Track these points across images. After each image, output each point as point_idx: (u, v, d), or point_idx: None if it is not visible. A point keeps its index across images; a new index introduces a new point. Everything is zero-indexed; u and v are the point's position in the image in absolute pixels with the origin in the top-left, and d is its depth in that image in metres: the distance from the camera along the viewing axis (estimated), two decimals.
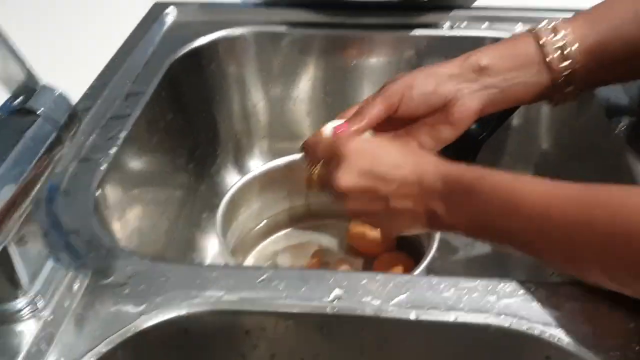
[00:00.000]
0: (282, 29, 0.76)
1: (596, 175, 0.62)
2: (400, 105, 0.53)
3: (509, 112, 0.65)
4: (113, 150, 0.57)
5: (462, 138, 0.65)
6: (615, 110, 0.60)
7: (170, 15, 0.77)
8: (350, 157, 0.48)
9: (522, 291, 0.42)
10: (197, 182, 0.76)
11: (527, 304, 0.41)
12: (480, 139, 0.64)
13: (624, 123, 0.58)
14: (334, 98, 0.79)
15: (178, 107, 0.71)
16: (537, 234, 0.41)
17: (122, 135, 0.58)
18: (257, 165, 0.80)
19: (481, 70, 0.53)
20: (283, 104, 0.81)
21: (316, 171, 0.52)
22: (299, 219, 0.73)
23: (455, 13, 0.76)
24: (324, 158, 0.52)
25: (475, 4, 0.79)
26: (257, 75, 0.78)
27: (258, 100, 0.80)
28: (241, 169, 0.82)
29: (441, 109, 0.53)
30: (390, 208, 0.48)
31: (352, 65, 0.77)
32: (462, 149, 0.65)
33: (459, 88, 0.53)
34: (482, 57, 0.53)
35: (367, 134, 0.52)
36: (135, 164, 0.61)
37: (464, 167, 0.46)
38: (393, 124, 0.54)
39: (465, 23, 0.75)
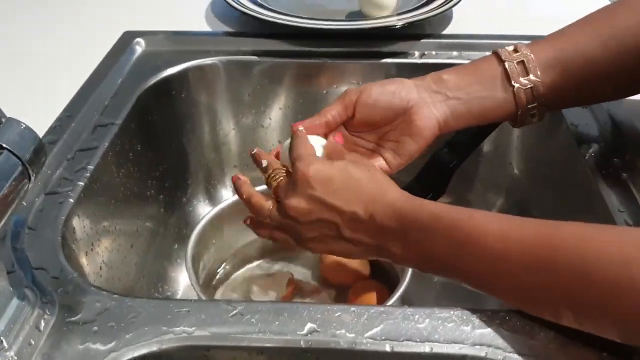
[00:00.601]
0: (252, 57, 0.76)
1: (567, 201, 0.63)
2: (358, 107, 0.53)
3: (478, 139, 0.66)
4: (80, 184, 0.55)
5: (433, 166, 0.66)
6: (585, 137, 0.61)
7: (140, 45, 0.77)
8: (308, 179, 0.47)
9: (497, 320, 0.41)
10: (167, 213, 0.75)
11: (502, 334, 0.41)
12: (452, 166, 0.65)
13: (593, 149, 0.59)
14: None
15: (147, 137, 0.70)
16: (495, 275, 0.41)
17: (90, 167, 0.57)
18: (228, 195, 0.79)
19: (443, 82, 0.54)
20: (254, 133, 0.80)
21: (273, 177, 0.51)
22: (270, 250, 0.73)
23: (425, 41, 0.77)
24: (277, 178, 0.51)
25: (445, 31, 0.81)
26: (227, 104, 0.78)
27: (229, 129, 0.80)
28: (212, 199, 0.81)
29: (402, 116, 0.53)
30: (341, 235, 0.48)
31: (324, 94, 0.78)
32: (433, 177, 0.66)
33: (422, 97, 0.53)
34: (445, 73, 0.54)
35: (319, 142, 0.52)
36: (104, 196, 0.60)
37: (420, 205, 0.45)
38: (359, 141, 0.54)
39: (434, 52, 0.76)
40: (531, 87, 0.53)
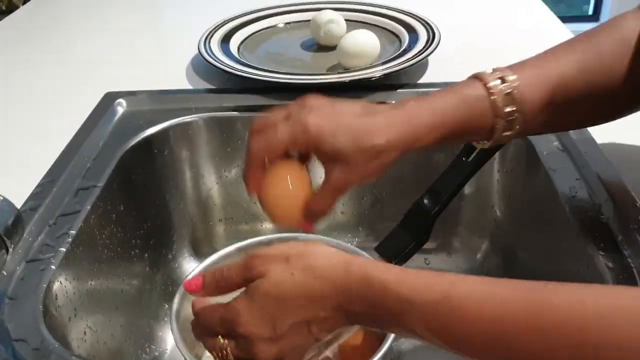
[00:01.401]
0: (234, 113, 0.77)
1: (551, 244, 0.63)
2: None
3: (458, 186, 0.67)
4: (62, 249, 0.55)
5: (415, 214, 0.67)
6: (563, 181, 0.61)
7: (121, 105, 0.78)
8: (254, 329, 0.42)
9: None
10: (153, 271, 0.75)
11: None
12: (433, 213, 0.65)
13: (571, 194, 0.59)
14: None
15: (130, 197, 0.70)
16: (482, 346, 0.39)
17: (72, 232, 0.57)
18: (213, 250, 0.79)
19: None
20: (238, 186, 0.81)
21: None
22: None
23: (401, 91, 0.79)
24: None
25: (421, 80, 0.82)
26: (209, 159, 0.79)
27: (212, 183, 0.80)
28: (198, 254, 0.81)
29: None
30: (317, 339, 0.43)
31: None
32: (416, 225, 0.66)
33: None
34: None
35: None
36: (87, 260, 0.59)
37: (384, 289, 0.40)
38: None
39: None
40: (513, 118, 0.52)
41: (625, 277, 0.49)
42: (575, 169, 0.63)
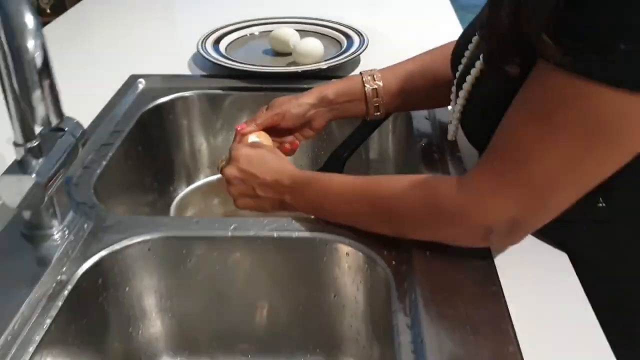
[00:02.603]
0: (219, 91, 1.12)
1: (405, 171, 0.97)
2: (281, 122, 0.88)
3: (361, 139, 1.01)
4: (103, 163, 0.90)
5: (332, 159, 1.01)
6: (421, 135, 0.96)
7: (142, 83, 1.13)
8: (238, 158, 0.81)
9: None
10: (159, 197, 1.09)
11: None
12: (343, 157, 1.00)
13: (423, 142, 0.94)
14: None
15: (146, 144, 1.05)
16: (340, 208, 0.73)
17: (109, 155, 0.92)
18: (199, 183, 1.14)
19: (329, 102, 0.89)
20: (219, 145, 1.15)
21: (222, 163, 0.85)
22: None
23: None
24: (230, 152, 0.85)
25: (353, 73, 1.17)
26: (200, 125, 1.14)
27: (201, 142, 1.15)
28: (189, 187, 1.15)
29: (306, 123, 0.89)
30: (256, 194, 0.79)
31: None
32: (331, 167, 1.01)
33: (317, 111, 0.90)
34: (330, 92, 0.90)
35: (255, 137, 0.87)
36: (118, 175, 0.94)
37: (303, 172, 0.78)
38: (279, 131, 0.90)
39: None
40: (377, 105, 0.89)
41: None
42: (431, 128, 0.97)
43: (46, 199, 0.69)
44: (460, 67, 0.76)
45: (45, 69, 0.45)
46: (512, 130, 0.60)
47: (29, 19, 0.44)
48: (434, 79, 0.89)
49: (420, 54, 0.92)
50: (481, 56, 0.68)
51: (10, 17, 0.44)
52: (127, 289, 0.76)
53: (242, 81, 1.14)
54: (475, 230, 0.64)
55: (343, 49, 1.21)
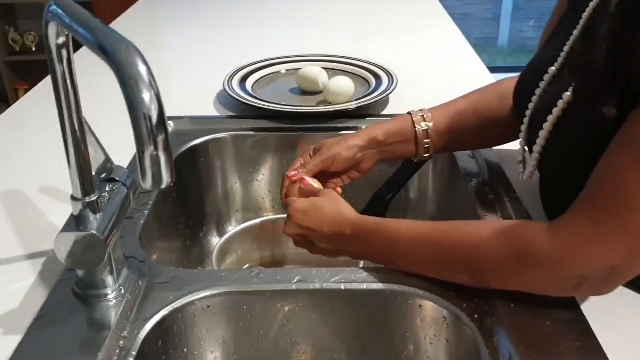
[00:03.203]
0: (250, 132, 1.09)
1: (458, 213, 0.95)
2: (330, 167, 0.85)
3: (405, 180, 0.99)
4: (145, 213, 0.86)
5: (375, 200, 0.98)
6: (469, 175, 0.93)
7: (170, 126, 1.09)
8: (294, 215, 0.78)
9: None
10: (190, 244, 1.05)
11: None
12: (388, 199, 0.97)
13: (473, 183, 0.91)
14: None
15: (179, 189, 1.01)
16: (409, 256, 0.70)
17: (150, 203, 0.88)
18: (232, 228, 1.10)
19: (378, 143, 0.87)
20: (251, 185, 1.12)
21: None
22: (268, 264, 1.03)
23: (370, 119, 1.11)
24: (285, 207, 0.82)
25: (384, 112, 1.15)
26: (233, 166, 1.10)
27: (233, 183, 1.11)
28: (222, 234, 1.11)
29: (354, 165, 0.87)
30: (319, 246, 0.77)
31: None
32: (376, 207, 0.98)
33: (365, 154, 0.87)
34: (380, 134, 0.87)
35: (311, 182, 0.84)
36: (157, 224, 0.90)
37: (365, 219, 0.75)
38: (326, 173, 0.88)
39: None
40: (428, 147, 0.87)
41: None
42: (478, 168, 0.95)
43: (106, 256, 0.65)
44: (532, 106, 0.74)
45: (161, 122, 0.41)
46: (614, 174, 0.57)
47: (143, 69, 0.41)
48: (487, 118, 0.87)
49: (471, 93, 0.90)
50: (565, 95, 0.65)
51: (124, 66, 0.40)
52: (185, 350, 0.72)
53: (272, 121, 1.11)
54: (568, 279, 0.61)
55: (372, 88, 1.19)
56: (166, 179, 0.45)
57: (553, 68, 0.72)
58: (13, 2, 3.64)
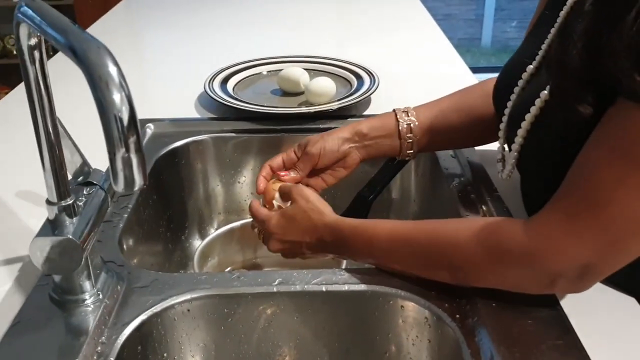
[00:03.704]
0: (231, 134, 1.08)
1: (441, 213, 0.94)
2: (318, 163, 0.85)
3: (387, 180, 0.98)
4: (125, 216, 0.85)
5: (357, 200, 0.98)
6: (451, 175, 0.93)
7: (150, 128, 1.08)
8: (272, 231, 0.78)
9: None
10: (172, 247, 1.04)
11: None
12: (370, 199, 0.96)
13: (455, 182, 0.91)
14: None
15: (160, 191, 1.00)
16: (389, 256, 0.70)
17: (130, 206, 0.87)
18: (213, 231, 1.09)
19: (363, 136, 0.86)
20: (233, 187, 1.11)
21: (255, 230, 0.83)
22: (250, 267, 1.02)
23: (352, 120, 1.10)
24: (260, 226, 0.82)
25: (366, 112, 1.14)
26: (214, 168, 1.09)
27: (215, 185, 1.10)
28: (203, 237, 1.10)
29: (340, 159, 0.86)
30: (304, 253, 0.77)
31: None
32: (357, 209, 0.97)
33: (350, 146, 0.86)
34: (364, 127, 0.87)
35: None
36: (137, 227, 0.89)
37: (343, 221, 0.74)
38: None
39: None
40: (411, 142, 0.87)
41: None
42: (460, 167, 0.95)
43: (83, 260, 0.64)
44: (510, 104, 0.74)
45: (133, 123, 0.40)
46: (590, 170, 0.57)
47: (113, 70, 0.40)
48: (470, 116, 0.87)
49: (455, 92, 0.90)
50: (542, 94, 0.65)
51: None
52: (165, 354, 0.71)
53: (254, 123, 1.10)
54: (543, 275, 0.61)
55: (353, 88, 1.19)
56: (138, 181, 0.44)
57: (531, 66, 0.72)
58: None
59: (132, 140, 0.42)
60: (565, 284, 0.62)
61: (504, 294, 0.65)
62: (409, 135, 0.87)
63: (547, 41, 0.70)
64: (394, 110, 0.88)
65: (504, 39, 5.42)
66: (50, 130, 0.60)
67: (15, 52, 3.64)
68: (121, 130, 0.42)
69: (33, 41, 0.55)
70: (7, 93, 1.35)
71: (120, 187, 0.44)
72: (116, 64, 0.42)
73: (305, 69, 1.21)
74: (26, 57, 0.56)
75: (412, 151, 0.88)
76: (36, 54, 0.55)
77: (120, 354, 0.64)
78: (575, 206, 0.58)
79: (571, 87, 0.59)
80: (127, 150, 0.42)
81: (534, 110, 0.67)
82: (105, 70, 0.41)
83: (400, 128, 0.87)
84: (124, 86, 0.42)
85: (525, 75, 0.73)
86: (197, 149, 1.07)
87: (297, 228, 0.76)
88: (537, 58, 0.72)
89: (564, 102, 0.62)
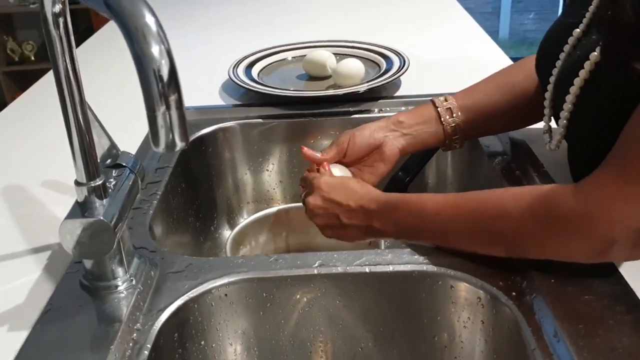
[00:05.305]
0: (259, 120, 1.05)
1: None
2: (348, 149, 0.81)
3: (423, 162, 0.94)
4: (154, 203, 0.82)
5: (392, 184, 0.94)
6: (493, 153, 0.89)
7: None
8: (320, 187, 0.75)
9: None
10: (202, 238, 1.01)
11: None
12: (406, 182, 0.93)
13: (498, 160, 0.87)
14: (298, 170, 1.07)
15: (188, 179, 0.97)
16: (435, 228, 0.67)
17: (159, 193, 0.84)
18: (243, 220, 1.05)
19: (400, 124, 0.82)
20: (261, 175, 1.07)
21: (303, 192, 0.78)
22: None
23: (382, 101, 1.06)
24: (307, 187, 0.78)
25: (396, 94, 1.10)
26: (242, 155, 1.06)
27: (243, 173, 1.07)
28: (233, 227, 1.06)
29: (376, 150, 0.81)
30: (342, 222, 0.73)
31: (311, 143, 1.05)
32: (392, 191, 0.93)
33: (386, 135, 0.82)
34: (401, 116, 0.83)
35: (337, 170, 0.80)
36: (167, 214, 0.86)
37: (389, 195, 0.72)
38: (350, 165, 0.82)
39: (389, 109, 1.05)
40: (454, 125, 0.82)
41: None
42: (502, 145, 0.90)
43: (115, 244, 0.61)
44: (555, 72, 0.69)
45: (173, 79, 0.37)
46: None
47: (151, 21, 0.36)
48: (512, 93, 0.82)
49: (495, 72, 0.86)
50: (592, 55, 0.61)
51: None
52: (202, 342, 0.67)
53: (280, 108, 1.06)
54: (596, 241, 0.57)
55: (383, 69, 1.15)
56: (179, 141, 0.40)
57: (578, 30, 0.68)
58: (10, 12, 3.61)
59: (173, 97, 0.39)
60: (621, 251, 0.58)
61: (561, 268, 0.61)
62: (451, 119, 0.82)
63: (595, 1, 0.66)
64: (432, 102, 0.84)
65: (521, 31, 5.34)
66: (78, 105, 0.56)
67: (33, 58, 3.65)
68: (161, 86, 0.38)
69: (57, 8, 0.52)
70: None
71: (161, 147, 0.40)
72: (154, 14, 0.39)
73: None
74: (50, 26, 0.53)
75: (457, 137, 0.83)
76: (61, 20, 0.52)
77: (157, 341, 0.60)
78: (629, 168, 0.55)
79: (624, 44, 0.55)
80: (168, 107, 0.39)
81: (583, 74, 0.63)
82: (142, 22, 0.38)
83: (440, 112, 0.82)
84: (162, 38, 0.38)
85: (571, 40, 0.68)
86: (224, 137, 1.03)
87: (344, 191, 0.73)
88: (585, 20, 0.68)
89: (616, 60, 0.57)
